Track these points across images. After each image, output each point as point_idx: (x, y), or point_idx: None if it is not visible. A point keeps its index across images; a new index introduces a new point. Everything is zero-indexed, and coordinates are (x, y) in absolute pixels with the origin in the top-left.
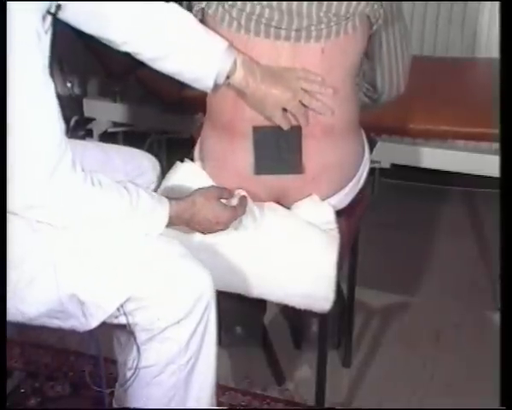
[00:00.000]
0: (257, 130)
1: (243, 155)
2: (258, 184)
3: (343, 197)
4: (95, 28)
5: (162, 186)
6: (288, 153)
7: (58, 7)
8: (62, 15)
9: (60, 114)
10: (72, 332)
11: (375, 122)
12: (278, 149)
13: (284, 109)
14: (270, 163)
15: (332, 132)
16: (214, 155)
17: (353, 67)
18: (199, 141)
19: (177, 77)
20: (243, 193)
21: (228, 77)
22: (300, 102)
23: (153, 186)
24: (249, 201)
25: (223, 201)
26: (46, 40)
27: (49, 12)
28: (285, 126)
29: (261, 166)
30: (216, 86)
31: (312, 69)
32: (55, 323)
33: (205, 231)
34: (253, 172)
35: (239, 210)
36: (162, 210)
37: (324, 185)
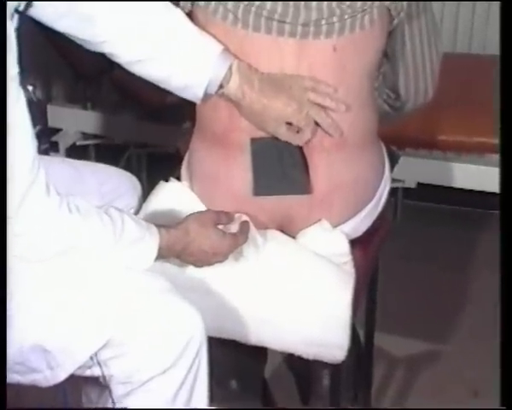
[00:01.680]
0: (255, 142)
1: (240, 172)
2: (257, 208)
3: (359, 223)
4: (71, 26)
5: (143, 211)
6: (292, 170)
7: (28, 4)
8: (32, 13)
9: (32, 130)
10: (33, 387)
11: (398, 133)
12: (281, 166)
13: (289, 123)
14: (271, 182)
15: (345, 145)
16: (205, 173)
17: (371, 68)
18: (186, 156)
19: (161, 84)
20: (244, 217)
21: (221, 86)
22: (307, 114)
23: (132, 211)
24: (251, 227)
25: (220, 227)
26: (14, 43)
27: (17, 10)
28: (294, 142)
29: (261, 186)
30: (206, 96)
31: (323, 71)
32: (13, 378)
33: (199, 263)
34: (252, 192)
35: (240, 238)
36: (151, 241)
37: (336, 209)
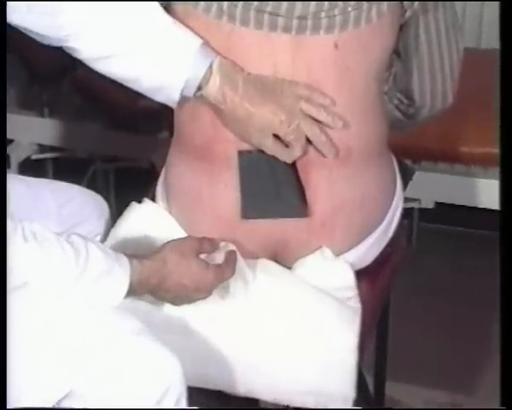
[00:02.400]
0: (244, 155)
1: (226, 191)
2: (246, 234)
3: (366, 251)
4: (28, 20)
5: (111, 238)
6: (287, 189)
7: None
8: None
9: None
10: None
11: (412, 144)
12: (274, 184)
13: (276, 136)
14: (262, 203)
15: (350, 159)
16: (185, 192)
17: (379, 68)
18: (163, 172)
19: (130, 85)
20: (231, 246)
21: (200, 87)
22: (298, 128)
23: (98, 239)
24: (239, 257)
25: (203, 257)
26: None
27: None
28: (281, 158)
29: (250, 208)
30: (184, 100)
31: (322, 72)
32: None
33: (178, 300)
34: (240, 215)
35: (226, 270)
36: (120, 274)
37: (339, 234)
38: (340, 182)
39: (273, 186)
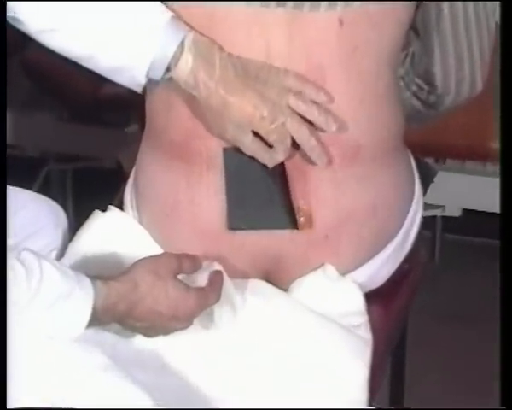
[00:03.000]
0: (230, 154)
1: (208, 196)
2: (233, 248)
3: (379, 269)
4: None
5: (69, 254)
6: (281, 193)
7: None
8: None
9: None
10: None
11: (434, 140)
12: (266, 188)
13: (256, 133)
14: (252, 211)
15: (359, 158)
16: (159, 199)
17: (393, 48)
18: (132, 173)
19: (87, 65)
20: (216, 265)
21: (168, 68)
22: (283, 126)
23: (54, 255)
24: (226, 278)
25: (182, 278)
26: None
27: None
28: (261, 160)
29: (238, 217)
30: (153, 84)
31: (324, 54)
32: None
33: (152, 331)
34: (226, 226)
35: (210, 294)
36: (82, 298)
37: (346, 248)
38: (348, 185)
39: (265, 191)
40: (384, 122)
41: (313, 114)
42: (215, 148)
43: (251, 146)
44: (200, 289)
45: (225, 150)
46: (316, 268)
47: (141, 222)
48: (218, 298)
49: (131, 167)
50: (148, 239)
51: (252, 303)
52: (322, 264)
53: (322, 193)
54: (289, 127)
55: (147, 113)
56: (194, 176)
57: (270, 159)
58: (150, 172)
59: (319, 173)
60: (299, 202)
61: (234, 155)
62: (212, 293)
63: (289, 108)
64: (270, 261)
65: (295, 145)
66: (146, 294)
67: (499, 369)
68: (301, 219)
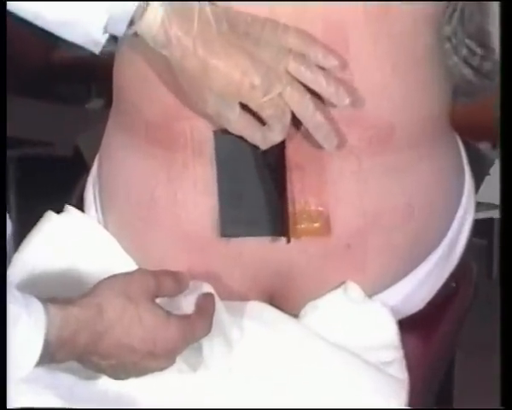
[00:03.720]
0: (223, 138)
1: (194, 193)
2: (228, 262)
3: (416, 288)
4: None
5: (15, 268)
6: (277, 191)
7: None
8: None
9: None
10: None
11: (489, 120)
12: (264, 183)
13: (245, 106)
14: (250, 213)
15: (391, 143)
16: (131, 196)
17: (435, 5)
18: (95, 163)
19: (33, 19)
20: (206, 287)
21: (133, 22)
22: (280, 98)
23: None
24: (217, 302)
25: (161, 302)
26: None
27: None
28: (252, 140)
29: (233, 221)
30: (112, 42)
31: (347, 9)
32: None
33: (122, 371)
34: (218, 232)
35: (198, 325)
36: (31, 327)
37: (373, 262)
38: (376, 179)
39: (263, 188)
40: (424, 96)
41: (320, 83)
42: (204, 130)
43: (238, 123)
44: (185, 317)
45: (217, 134)
46: (335, 287)
47: (107, 227)
48: (208, 329)
49: (94, 155)
50: (116, 249)
51: (252, 334)
52: (343, 282)
53: (343, 190)
54: (288, 99)
55: (114, 84)
56: (177, 167)
57: (262, 139)
58: (119, 160)
59: (339, 164)
60: (312, 201)
61: (229, 139)
62: (200, 322)
63: (288, 74)
64: (276, 278)
65: (298, 123)
66: (114, 322)
67: (499, 369)
68: (315, 225)
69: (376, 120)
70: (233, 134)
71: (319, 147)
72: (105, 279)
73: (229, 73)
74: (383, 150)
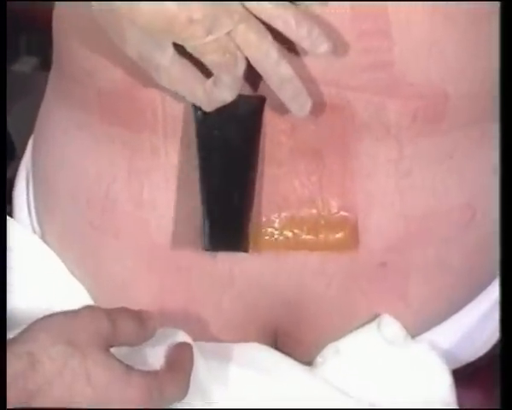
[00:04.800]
0: (206, 117)
1: (166, 193)
2: (214, 286)
3: (478, 326)
4: None
5: None
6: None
7: None
8: None
9: None
10: None
11: None
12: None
13: (180, 49)
14: (237, 219)
15: (441, 122)
16: (79, 195)
17: None
18: (28, 149)
19: None
20: (182, 335)
21: None
22: (229, 39)
23: None
24: (197, 355)
25: (114, 351)
26: None
27: None
28: (193, 99)
29: (219, 230)
30: None
31: None
32: None
33: None
34: (200, 245)
35: (169, 384)
36: None
37: (418, 288)
38: (423, 170)
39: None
40: (487, 59)
41: (286, 21)
42: (182, 102)
43: (170, 72)
44: (152, 373)
45: (197, 109)
46: (364, 323)
47: (45, 238)
48: (182, 390)
49: (26, 137)
50: (58, 271)
51: (245, 392)
52: (376, 315)
53: (377, 186)
54: (241, 41)
55: (54, 36)
56: (143, 153)
57: (205, 97)
58: (62, 145)
59: (371, 150)
60: (334, 203)
61: (213, 117)
62: (171, 381)
63: (244, 8)
64: (282, 310)
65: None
66: (52, 378)
67: (499, 369)
68: (338, 235)
69: (423, 86)
70: (221, 110)
71: (343, 125)
72: (40, 319)
73: (160, 3)
74: (433, 130)
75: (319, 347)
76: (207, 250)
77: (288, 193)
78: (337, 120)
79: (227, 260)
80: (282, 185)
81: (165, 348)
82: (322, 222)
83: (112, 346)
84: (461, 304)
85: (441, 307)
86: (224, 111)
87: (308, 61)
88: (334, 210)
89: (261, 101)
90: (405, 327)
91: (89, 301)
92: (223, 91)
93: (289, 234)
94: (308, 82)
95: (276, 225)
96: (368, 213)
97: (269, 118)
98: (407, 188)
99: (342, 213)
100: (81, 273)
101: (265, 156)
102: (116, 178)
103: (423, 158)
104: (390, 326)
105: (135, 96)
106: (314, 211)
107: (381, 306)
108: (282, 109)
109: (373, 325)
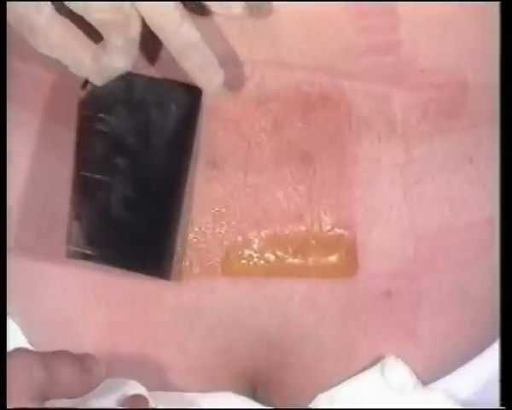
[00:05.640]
0: (93, 90)
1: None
2: (178, 321)
3: None
4: None
5: None
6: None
7: None
8: None
9: None
10: None
11: None
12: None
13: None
14: (125, 224)
15: (459, 117)
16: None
17: None
18: None
19: None
20: (135, 386)
21: None
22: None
23: None
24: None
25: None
26: None
27: None
28: (76, 68)
29: (92, 232)
30: None
31: None
32: None
33: None
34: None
35: None
36: None
37: (431, 323)
38: (436, 177)
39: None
40: None
41: None
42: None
43: (48, 34)
44: None
45: (86, 86)
46: (365, 366)
47: None
48: None
49: None
50: None
51: None
52: (380, 357)
53: (380, 196)
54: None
55: None
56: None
57: (92, 66)
58: None
59: (373, 151)
60: (327, 217)
61: (103, 96)
62: None
63: None
64: (261, 352)
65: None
66: None
67: (499, 369)
68: (332, 258)
69: (436, 73)
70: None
71: (338, 122)
72: None
73: None
74: (448, 128)
75: (309, 397)
76: (69, 255)
77: (269, 206)
78: (330, 115)
79: (194, 290)
80: (262, 197)
81: (115, 400)
82: (313, 242)
83: (48, 398)
84: (483, 343)
85: (459, 347)
86: (118, 92)
87: (292, 41)
88: (327, 227)
89: (188, 89)
90: (415, 372)
91: (22, 342)
92: (113, 60)
93: (271, 257)
94: (293, 68)
95: (255, 245)
96: (369, 230)
97: (243, 110)
98: (417, 199)
99: (337, 230)
100: (13, 307)
101: (240, 161)
102: (55, 186)
103: (436, 162)
104: (396, 371)
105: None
106: (302, 228)
107: (386, 345)
108: (260, 99)
109: (375, 369)
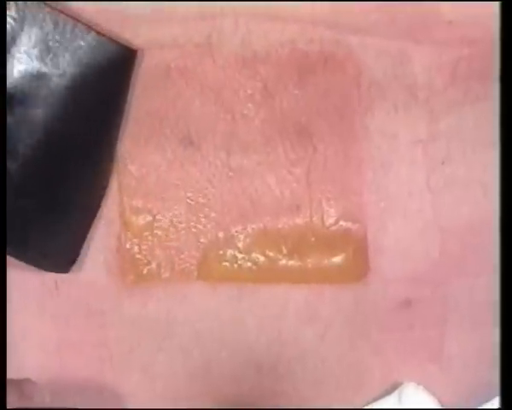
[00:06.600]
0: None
1: None
2: (149, 339)
3: None
4: None
5: None
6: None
7: None
8: None
9: None
10: None
11: None
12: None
13: None
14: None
15: (494, 85)
16: None
17: None
18: None
19: None
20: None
21: None
22: None
23: None
24: None
25: None
26: None
27: None
28: None
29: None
30: None
31: None
32: None
33: None
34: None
35: None
36: None
37: (457, 339)
38: (466, 160)
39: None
40: None
41: None
42: None
43: None
44: None
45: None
46: (378, 393)
47: None
48: None
49: None
50: None
51: None
52: (397, 383)
53: (395, 183)
54: None
55: None
56: None
57: None
58: None
59: (386, 127)
60: (330, 209)
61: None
62: None
63: None
64: (249, 376)
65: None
66: None
67: (499, 369)
68: (336, 259)
69: (467, 26)
70: None
71: (344, 88)
72: None
73: None
74: (482, 93)
75: None
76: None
77: (257, 194)
78: (334, 79)
79: (163, 299)
80: (249, 182)
81: None
82: (312, 239)
83: None
84: None
85: (494, 370)
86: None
87: None
88: (331, 220)
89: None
90: (441, 401)
91: None
92: None
93: (260, 258)
94: (287, 21)
95: (240, 244)
96: (383, 223)
97: (224, 73)
98: (443, 184)
99: (343, 223)
100: None
101: (221, 137)
102: None
103: (468, 137)
104: (417, 400)
105: None
106: (299, 221)
107: (404, 368)
108: (245, 59)
109: (391, 398)
